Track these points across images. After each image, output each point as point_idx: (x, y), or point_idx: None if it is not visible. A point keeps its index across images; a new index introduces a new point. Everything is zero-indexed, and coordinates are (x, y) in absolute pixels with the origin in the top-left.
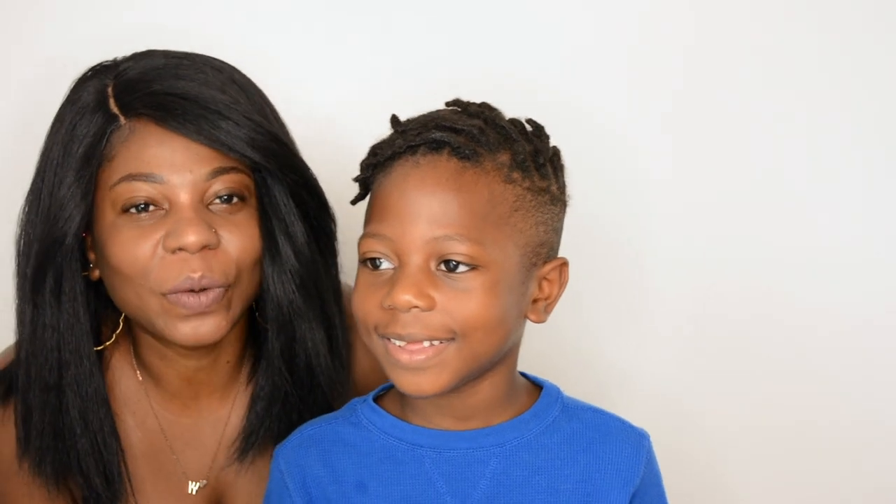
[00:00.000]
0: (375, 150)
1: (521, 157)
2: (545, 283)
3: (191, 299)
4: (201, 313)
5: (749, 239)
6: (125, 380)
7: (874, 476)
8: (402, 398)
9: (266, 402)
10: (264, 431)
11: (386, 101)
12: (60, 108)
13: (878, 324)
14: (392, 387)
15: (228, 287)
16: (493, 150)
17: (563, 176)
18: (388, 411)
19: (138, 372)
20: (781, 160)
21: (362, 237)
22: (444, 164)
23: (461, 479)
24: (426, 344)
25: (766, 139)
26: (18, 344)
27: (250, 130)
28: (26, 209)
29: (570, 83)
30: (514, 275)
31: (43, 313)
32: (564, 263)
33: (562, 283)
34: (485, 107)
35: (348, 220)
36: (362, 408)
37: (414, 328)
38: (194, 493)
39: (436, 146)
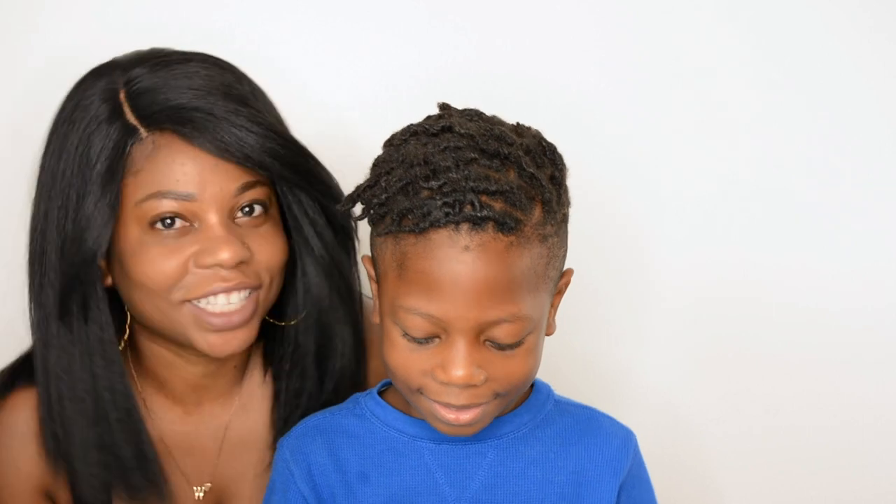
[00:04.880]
0: (403, 212)
1: (549, 196)
2: (556, 297)
3: (220, 319)
4: (233, 328)
5: (753, 241)
6: None
7: (875, 481)
8: None
9: (292, 407)
10: None
11: (389, 101)
12: (65, 113)
13: (883, 328)
14: None
15: (259, 288)
16: (528, 210)
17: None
18: (391, 405)
19: (138, 382)
20: (787, 160)
21: (403, 310)
22: (491, 244)
23: (459, 471)
24: (473, 407)
25: (772, 139)
26: (40, 361)
27: (276, 144)
28: (38, 223)
29: (575, 82)
30: (545, 315)
31: (70, 331)
32: (570, 273)
33: (564, 290)
34: (475, 114)
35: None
36: (365, 400)
37: (465, 400)
38: (200, 498)
39: (479, 221)
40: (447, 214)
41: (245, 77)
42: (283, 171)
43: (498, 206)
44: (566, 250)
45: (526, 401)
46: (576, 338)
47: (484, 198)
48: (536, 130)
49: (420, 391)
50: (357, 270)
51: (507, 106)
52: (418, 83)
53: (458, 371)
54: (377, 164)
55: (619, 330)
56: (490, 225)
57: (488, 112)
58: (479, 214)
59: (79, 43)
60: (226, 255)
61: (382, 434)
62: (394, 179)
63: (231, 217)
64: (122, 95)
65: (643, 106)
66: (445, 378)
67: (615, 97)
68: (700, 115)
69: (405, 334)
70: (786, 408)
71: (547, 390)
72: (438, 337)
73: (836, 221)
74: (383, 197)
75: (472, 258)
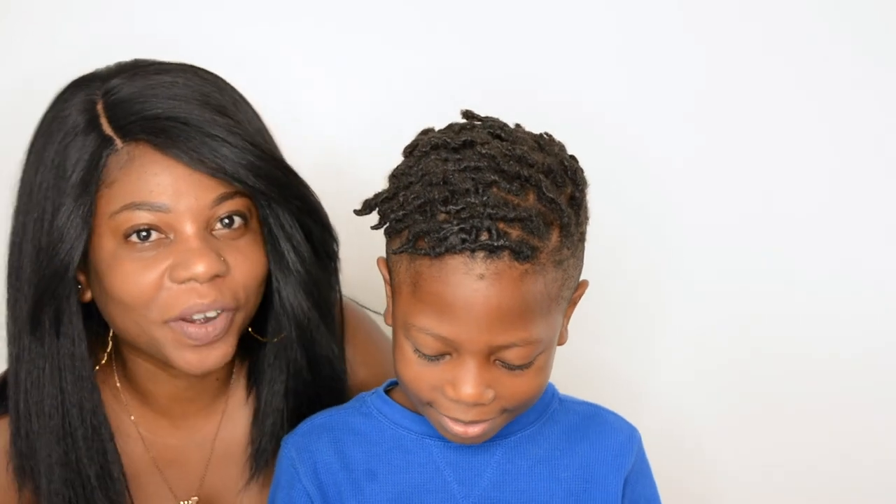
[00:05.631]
0: (419, 233)
1: (567, 220)
2: (569, 308)
3: (198, 330)
4: (209, 343)
5: (764, 258)
6: (110, 404)
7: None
8: None
9: (277, 416)
10: (275, 446)
11: (393, 108)
12: (44, 125)
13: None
14: None
15: (237, 310)
16: (545, 236)
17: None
18: (398, 403)
19: (122, 394)
20: (801, 176)
21: (416, 328)
22: (506, 272)
23: (468, 468)
24: (481, 422)
25: (786, 155)
26: (12, 375)
27: (252, 156)
28: (17, 236)
29: (583, 88)
30: (557, 331)
31: (41, 346)
32: (585, 284)
33: (580, 299)
34: (498, 127)
35: (353, 225)
36: (372, 399)
37: (473, 416)
38: None
39: (496, 249)
40: (464, 241)
41: (228, 87)
42: (258, 184)
43: (515, 233)
44: (582, 265)
45: None
46: (587, 347)
47: (501, 225)
48: (560, 145)
49: (430, 405)
50: (339, 289)
51: (514, 116)
52: (419, 91)
53: (468, 389)
54: (396, 175)
55: (630, 342)
56: (506, 253)
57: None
58: (495, 243)
59: (68, 54)
60: (201, 268)
61: (390, 432)
62: (412, 196)
63: (208, 229)
64: (99, 106)
65: (657, 114)
66: (455, 396)
67: (627, 104)
68: (722, 128)
69: (416, 350)
70: (798, 419)
71: (551, 389)
72: (449, 354)
73: (849, 237)
74: (400, 213)
75: (486, 286)
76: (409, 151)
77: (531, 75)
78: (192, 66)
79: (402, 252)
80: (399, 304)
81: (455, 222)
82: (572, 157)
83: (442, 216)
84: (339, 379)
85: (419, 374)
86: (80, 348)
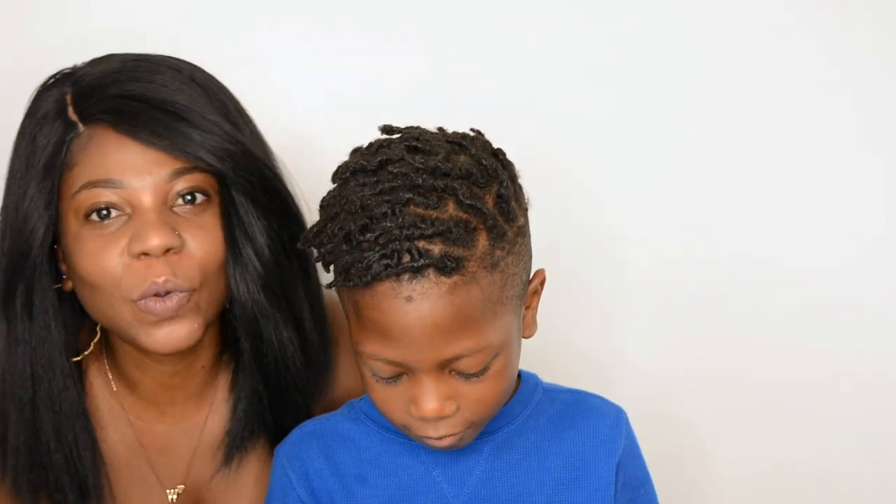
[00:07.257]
0: (346, 265)
1: (492, 222)
2: (532, 299)
3: (157, 305)
4: (172, 318)
5: (733, 224)
6: (100, 391)
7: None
8: None
9: (245, 404)
10: (246, 434)
11: (370, 108)
12: (22, 121)
13: (857, 301)
14: None
15: (193, 291)
16: (470, 244)
17: (520, 188)
18: None
19: (113, 382)
20: (764, 144)
21: (365, 355)
22: (433, 290)
23: (457, 468)
24: (455, 433)
25: (743, 124)
26: None
27: (206, 132)
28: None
29: (583, 87)
30: (514, 330)
31: (14, 328)
32: (542, 273)
33: (541, 289)
34: (413, 138)
35: None
36: (360, 404)
37: (442, 431)
38: (174, 500)
39: (419, 269)
40: (387, 267)
41: (199, 73)
42: (212, 160)
43: (436, 249)
44: (530, 257)
45: (516, 394)
46: (560, 329)
47: (421, 243)
48: (482, 143)
49: (405, 427)
50: (318, 282)
51: (511, 113)
52: (426, 93)
53: (429, 405)
54: (324, 206)
55: (600, 321)
56: (430, 271)
57: (454, 114)
58: (416, 264)
59: (63, 51)
60: (154, 240)
61: (378, 436)
62: (336, 227)
63: (167, 204)
64: (68, 96)
65: (616, 98)
66: (418, 413)
67: (581, 83)
68: (668, 97)
69: (374, 375)
70: (774, 392)
71: (534, 380)
72: (405, 374)
73: (806, 190)
74: (329, 247)
75: (416, 306)
76: (334, 178)
77: (531, 75)
78: (159, 55)
79: (337, 285)
80: (351, 333)
81: (376, 249)
82: (496, 152)
83: (364, 245)
84: (292, 370)
85: (385, 396)
86: (52, 332)
